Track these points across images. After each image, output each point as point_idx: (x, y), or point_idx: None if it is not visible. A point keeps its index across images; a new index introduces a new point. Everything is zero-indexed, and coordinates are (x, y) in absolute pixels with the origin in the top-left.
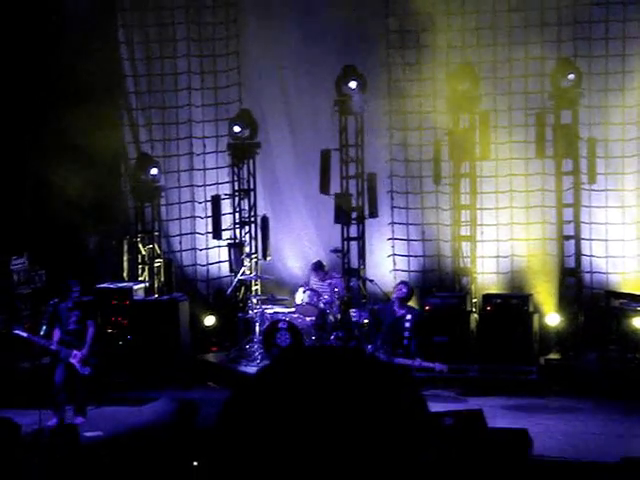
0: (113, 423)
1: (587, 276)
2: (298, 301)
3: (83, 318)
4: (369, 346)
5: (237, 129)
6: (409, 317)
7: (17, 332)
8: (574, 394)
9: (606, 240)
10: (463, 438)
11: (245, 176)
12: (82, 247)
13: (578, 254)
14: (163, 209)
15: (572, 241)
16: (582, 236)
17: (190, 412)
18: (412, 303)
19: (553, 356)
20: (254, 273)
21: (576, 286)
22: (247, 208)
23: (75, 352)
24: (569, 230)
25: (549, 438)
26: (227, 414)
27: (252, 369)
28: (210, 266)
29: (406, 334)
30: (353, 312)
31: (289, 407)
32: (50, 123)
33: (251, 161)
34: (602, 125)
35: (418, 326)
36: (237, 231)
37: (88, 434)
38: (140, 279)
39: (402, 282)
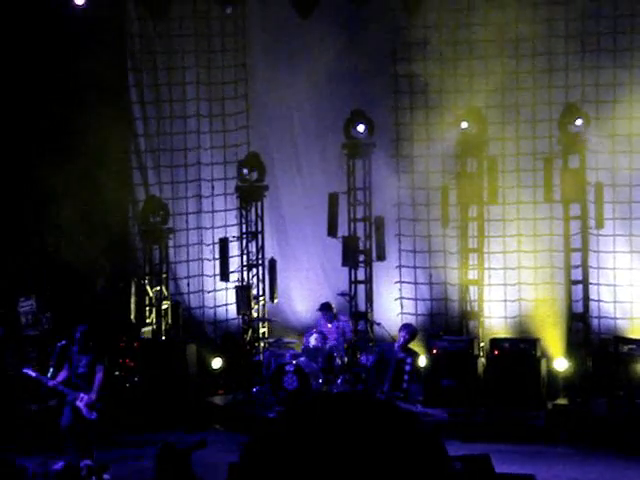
0: (118, 467)
1: (595, 321)
2: (307, 344)
3: (93, 362)
4: (378, 391)
5: (245, 172)
6: (409, 360)
7: (26, 371)
8: (582, 440)
9: (614, 285)
10: None
11: (253, 219)
12: (90, 289)
13: (586, 299)
14: (171, 251)
15: (580, 286)
16: (590, 281)
17: (170, 454)
18: (419, 347)
19: (561, 401)
20: (261, 316)
21: (584, 331)
22: (255, 250)
23: (82, 395)
24: (577, 275)
25: None
26: (246, 460)
27: (259, 412)
28: (217, 308)
29: (406, 377)
30: (361, 356)
31: (304, 455)
32: (58, 164)
33: (259, 204)
34: (610, 170)
35: (417, 370)
36: (245, 273)
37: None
38: (147, 321)
39: (404, 326)
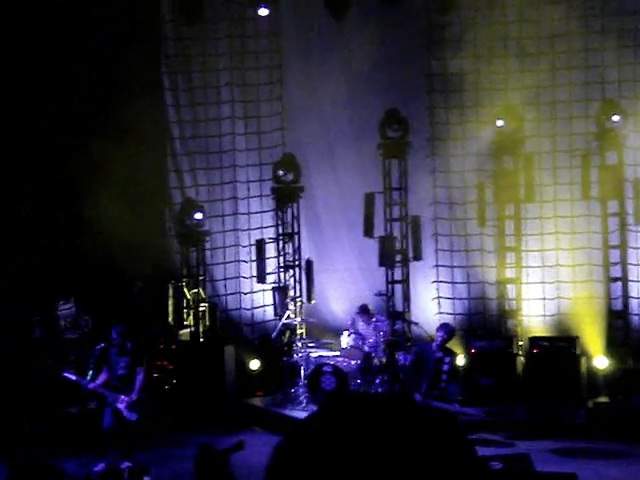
0: (158, 469)
1: (635, 318)
2: (343, 344)
3: (132, 364)
4: (417, 391)
5: (281, 173)
6: (447, 360)
7: (66, 375)
8: (623, 438)
9: None
10: None
11: (289, 220)
12: (128, 292)
13: (625, 296)
14: (208, 253)
15: (619, 283)
16: (629, 278)
17: (208, 456)
18: (457, 346)
19: (601, 399)
20: (299, 317)
21: (624, 328)
22: (291, 252)
23: (123, 397)
24: (616, 272)
25: None
26: (278, 460)
27: (298, 413)
28: (255, 310)
29: (444, 377)
30: (399, 356)
31: (337, 455)
32: (96, 167)
33: (295, 205)
34: None
35: (455, 370)
36: (281, 275)
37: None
38: (185, 323)
39: (442, 325)
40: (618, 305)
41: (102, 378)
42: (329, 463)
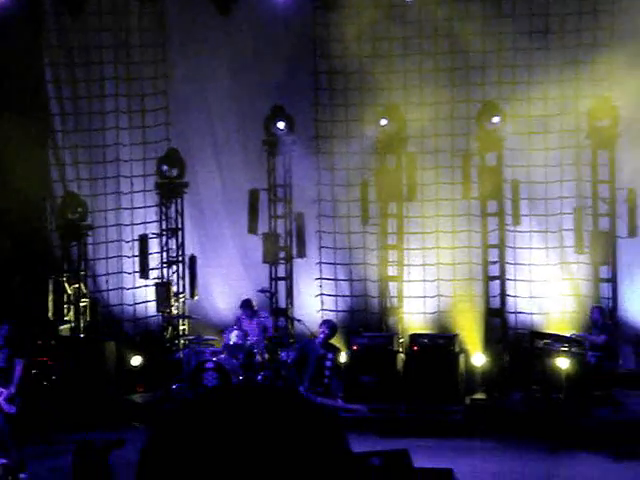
0: (35, 465)
1: (512, 316)
2: (227, 341)
3: (10, 357)
4: (300, 387)
5: (165, 168)
6: (330, 356)
7: None
8: (499, 434)
9: (530, 281)
10: (390, 478)
11: (173, 215)
12: (6, 286)
13: (503, 294)
14: (90, 248)
15: (497, 281)
16: (507, 277)
17: (87, 452)
18: (339, 343)
19: (478, 396)
20: (181, 313)
21: (501, 326)
22: (175, 247)
23: (1, 390)
24: (494, 271)
25: (475, 478)
26: (147, 453)
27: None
28: (137, 305)
29: (327, 373)
30: (282, 353)
31: (217, 448)
32: None
33: (179, 200)
34: (526, 167)
35: (338, 366)
36: (164, 270)
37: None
38: (66, 319)
39: (324, 321)
40: (496, 303)
41: None
42: (199, 455)
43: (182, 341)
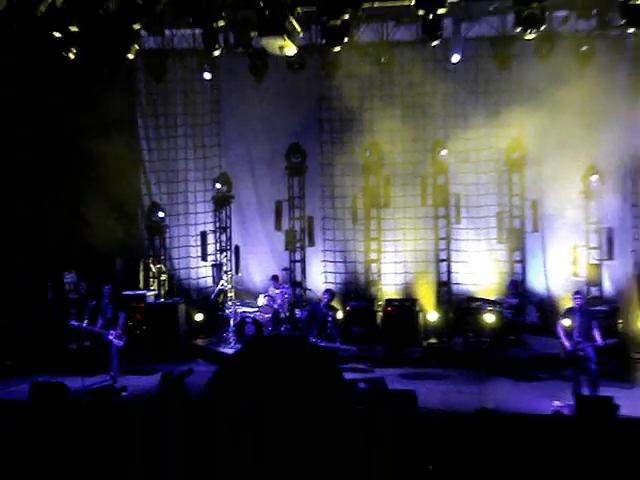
0: (133, 388)
1: (455, 287)
2: (260, 304)
3: (115, 310)
4: (310, 336)
5: (218, 186)
6: (331, 314)
7: (72, 323)
8: (446, 366)
9: (467, 262)
10: (372, 397)
11: (224, 218)
12: (112, 267)
13: (449, 272)
14: (167, 240)
15: (445, 263)
16: (452, 259)
17: (174, 381)
18: (338, 305)
19: (432, 341)
20: (229, 284)
21: (447, 293)
22: (225, 240)
23: (112, 331)
24: (443, 255)
25: (430, 396)
26: (214, 383)
27: (228, 350)
28: (199, 280)
29: (329, 326)
30: (298, 312)
31: (257, 376)
32: (91, 181)
33: (228, 207)
34: (464, 185)
35: (337, 321)
36: (218, 255)
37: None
38: (152, 288)
39: (327, 290)
40: (444, 278)
41: (99, 324)
42: (249, 381)
43: (230, 304)
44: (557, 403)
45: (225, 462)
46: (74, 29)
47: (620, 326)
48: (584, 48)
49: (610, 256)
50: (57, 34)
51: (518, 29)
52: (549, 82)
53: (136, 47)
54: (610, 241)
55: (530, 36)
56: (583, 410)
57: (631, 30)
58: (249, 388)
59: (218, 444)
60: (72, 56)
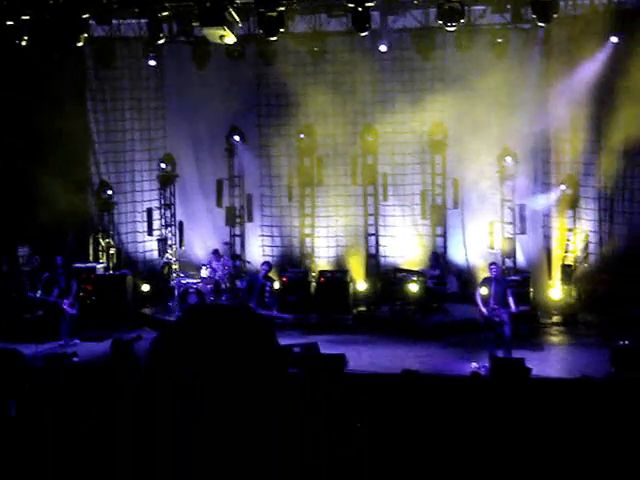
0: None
1: (382, 259)
2: (202, 275)
3: (68, 279)
4: (249, 304)
5: (163, 165)
6: (269, 284)
7: (30, 294)
8: (375, 332)
9: (394, 236)
10: (306, 360)
11: (168, 195)
12: (64, 240)
13: (377, 245)
14: (116, 216)
15: (373, 237)
16: (379, 234)
17: (124, 346)
18: (275, 276)
19: (361, 309)
20: (174, 257)
21: (376, 265)
22: (169, 215)
23: (65, 300)
24: (372, 230)
25: (359, 359)
26: (155, 348)
27: (173, 318)
28: (146, 253)
29: (267, 295)
30: (237, 282)
31: (196, 341)
32: (43, 160)
33: (172, 186)
34: (391, 165)
35: (274, 291)
36: (163, 230)
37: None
38: (101, 261)
39: (264, 262)
40: (373, 250)
41: (54, 294)
42: (190, 347)
43: (174, 275)
44: (474, 365)
45: (167, 425)
46: (26, 17)
47: (531, 294)
48: (499, 40)
49: (523, 231)
50: (9, 22)
51: (440, 22)
52: (468, 71)
53: (85, 35)
54: (522, 217)
55: (451, 28)
56: (498, 371)
57: (541, 24)
58: (190, 353)
59: (160, 408)
60: (24, 43)
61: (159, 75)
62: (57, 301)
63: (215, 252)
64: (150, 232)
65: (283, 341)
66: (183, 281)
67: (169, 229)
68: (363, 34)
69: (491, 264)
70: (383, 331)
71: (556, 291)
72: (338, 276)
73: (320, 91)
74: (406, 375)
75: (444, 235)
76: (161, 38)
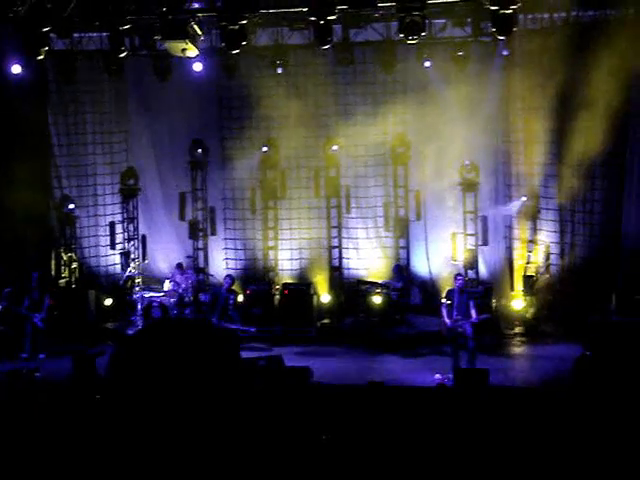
0: (46, 370)
1: (346, 271)
2: (166, 289)
3: (41, 293)
4: (212, 318)
5: (126, 179)
6: (232, 297)
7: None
8: (338, 345)
9: (357, 248)
10: (270, 373)
11: (131, 209)
12: (23, 256)
13: (340, 257)
14: (78, 230)
15: (337, 249)
16: (343, 246)
17: (86, 360)
18: (238, 289)
19: (325, 321)
20: (137, 271)
21: (339, 277)
22: (132, 229)
23: (37, 315)
24: (335, 242)
25: (324, 371)
26: (113, 363)
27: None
28: (108, 267)
29: (230, 308)
30: (201, 296)
31: (156, 356)
32: (4, 175)
33: (135, 199)
34: (353, 178)
35: (237, 304)
36: (126, 244)
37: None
38: (63, 275)
39: (227, 275)
40: (336, 263)
41: (25, 303)
42: (149, 363)
43: (137, 289)
44: (438, 376)
45: (127, 440)
46: None
47: (493, 305)
48: (460, 53)
49: (485, 242)
50: None
51: (401, 35)
52: (430, 83)
53: (46, 49)
54: (484, 228)
55: (412, 41)
56: (461, 381)
57: (501, 37)
58: (150, 368)
59: (120, 423)
60: None
61: (121, 89)
62: (29, 314)
63: (179, 266)
64: (113, 246)
65: (247, 354)
66: (146, 295)
67: (132, 243)
68: (325, 47)
69: (457, 275)
70: (347, 343)
71: (518, 302)
72: (302, 289)
73: (283, 104)
74: (372, 386)
75: (407, 247)
76: (123, 52)
